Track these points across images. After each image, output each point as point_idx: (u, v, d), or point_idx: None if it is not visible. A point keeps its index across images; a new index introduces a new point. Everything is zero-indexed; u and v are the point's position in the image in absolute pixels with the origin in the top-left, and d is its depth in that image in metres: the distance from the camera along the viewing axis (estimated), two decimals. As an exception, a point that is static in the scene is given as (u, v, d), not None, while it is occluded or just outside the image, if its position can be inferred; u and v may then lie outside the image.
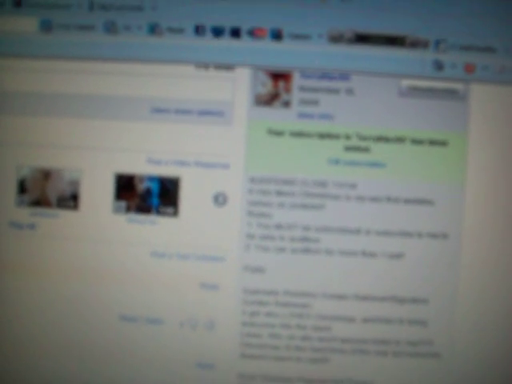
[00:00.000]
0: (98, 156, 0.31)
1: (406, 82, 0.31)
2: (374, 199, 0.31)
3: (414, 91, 0.31)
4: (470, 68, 0.31)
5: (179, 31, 0.31)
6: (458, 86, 0.31)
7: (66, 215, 0.31)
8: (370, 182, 0.31)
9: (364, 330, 0.31)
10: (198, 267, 0.31)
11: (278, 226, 0.31)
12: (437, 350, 0.31)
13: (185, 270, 0.31)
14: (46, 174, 0.31)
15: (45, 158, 0.31)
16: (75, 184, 0.31)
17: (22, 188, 0.32)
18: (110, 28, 0.31)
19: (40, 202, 0.31)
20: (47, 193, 0.31)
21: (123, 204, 0.31)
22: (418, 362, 0.31)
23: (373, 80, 0.31)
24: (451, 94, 0.31)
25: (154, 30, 0.31)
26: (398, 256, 0.31)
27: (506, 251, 0.31)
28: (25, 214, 0.31)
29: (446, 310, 0.31)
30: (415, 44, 0.31)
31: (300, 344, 0.31)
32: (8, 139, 0.32)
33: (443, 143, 0.31)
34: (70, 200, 0.31)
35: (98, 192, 0.31)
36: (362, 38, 0.31)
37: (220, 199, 0.31)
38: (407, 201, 0.31)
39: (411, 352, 0.31)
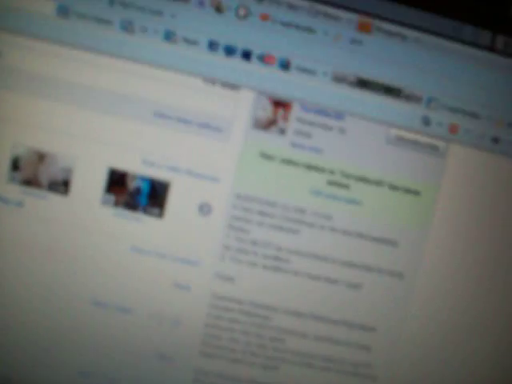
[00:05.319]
0: (94, 148, 0.32)
1: (394, 131, 0.33)
2: (345, 232, 0.33)
3: (400, 141, 0.33)
4: (453, 129, 0.33)
5: (193, 43, 0.32)
6: (440, 144, 0.34)
7: (54, 199, 0.32)
8: (345, 216, 0.33)
9: (314, 347, 0.34)
10: (174, 268, 0.33)
11: (254, 242, 0.33)
12: (375, 373, 0.35)
13: (161, 268, 0.33)
14: (41, 157, 0.32)
15: (42, 140, 0.32)
16: (68, 171, 0.32)
17: (15, 165, 0.32)
18: (127, 27, 0.32)
19: (31, 182, 0.32)
20: (39, 174, 0.32)
21: (112, 198, 0.32)
22: (357, 381, 0.35)
23: (365, 124, 0.33)
24: (432, 149, 0.33)
25: (169, 36, 0.32)
26: (356, 286, 0.34)
27: (453, 296, 0.34)
28: (14, 191, 0.32)
29: (389, 340, 0.34)
30: (409, 98, 0.33)
31: (255, 351, 0.34)
32: (7, 116, 0.32)
33: (416, 192, 0.34)
34: (61, 185, 0.32)
35: (90, 182, 0.32)
36: (363, 83, 0.33)
37: (205, 209, 0.33)
38: (375, 239, 0.34)
39: (352, 372, 0.35)
